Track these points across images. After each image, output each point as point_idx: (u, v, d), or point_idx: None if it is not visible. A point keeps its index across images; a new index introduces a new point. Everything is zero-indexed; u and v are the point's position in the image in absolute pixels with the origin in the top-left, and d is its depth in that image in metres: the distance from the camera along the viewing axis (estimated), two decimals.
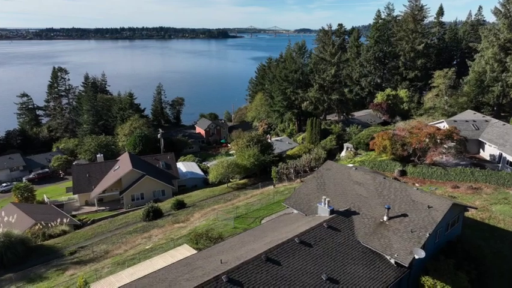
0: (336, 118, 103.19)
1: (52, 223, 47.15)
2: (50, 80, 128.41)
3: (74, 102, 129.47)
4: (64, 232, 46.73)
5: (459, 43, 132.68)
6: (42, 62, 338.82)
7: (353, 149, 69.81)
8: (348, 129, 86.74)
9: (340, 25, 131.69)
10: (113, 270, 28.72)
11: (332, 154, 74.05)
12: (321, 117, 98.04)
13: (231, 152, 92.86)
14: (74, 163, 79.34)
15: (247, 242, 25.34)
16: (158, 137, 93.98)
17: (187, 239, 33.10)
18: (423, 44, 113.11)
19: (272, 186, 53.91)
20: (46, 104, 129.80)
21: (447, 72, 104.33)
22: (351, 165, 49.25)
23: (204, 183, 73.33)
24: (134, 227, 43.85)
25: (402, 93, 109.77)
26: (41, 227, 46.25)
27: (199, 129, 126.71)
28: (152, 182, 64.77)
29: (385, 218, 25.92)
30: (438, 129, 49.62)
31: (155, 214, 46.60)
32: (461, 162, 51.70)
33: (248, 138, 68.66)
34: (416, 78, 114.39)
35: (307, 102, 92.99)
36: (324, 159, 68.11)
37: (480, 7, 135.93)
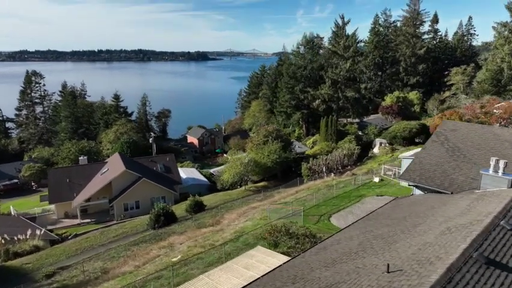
0: (347, 121, 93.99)
1: (20, 236, 33.81)
2: (23, 85, 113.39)
3: (50, 111, 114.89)
4: (37, 248, 33.46)
5: (453, 51, 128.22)
6: (15, 81, 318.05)
7: (387, 144, 59.55)
8: (360, 132, 78.38)
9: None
10: None
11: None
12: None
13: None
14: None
15: (394, 236, 13.65)
16: (150, 141, 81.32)
17: (238, 244, 21.05)
18: (424, 48, 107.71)
19: (314, 181, 42.33)
20: (18, 112, 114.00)
21: (465, 69, 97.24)
22: (408, 155, 38.62)
23: (208, 190, 61.28)
24: (141, 237, 31.03)
25: (412, 95, 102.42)
26: (3, 242, 32.88)
27: (191, 139, 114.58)
28: (150, 187, 51.98)
29: None
30: None
31: (167, 218, 33.90)
32: None
33: (265, 133, 57.17)
34: (417, 84, 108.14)
35: (319, 100, 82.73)
36: (358, 155, 57.68)
37: (470, 17, 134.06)
